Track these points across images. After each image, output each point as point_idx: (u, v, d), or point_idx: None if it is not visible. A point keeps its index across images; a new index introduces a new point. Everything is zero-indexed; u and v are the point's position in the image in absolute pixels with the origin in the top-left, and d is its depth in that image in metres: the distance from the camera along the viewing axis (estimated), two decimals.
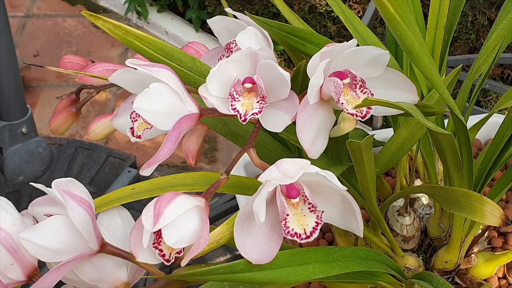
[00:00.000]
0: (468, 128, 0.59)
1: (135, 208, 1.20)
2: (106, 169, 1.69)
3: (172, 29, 2.11)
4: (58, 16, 2.21)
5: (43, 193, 0.54)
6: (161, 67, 0.54)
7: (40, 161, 1.37)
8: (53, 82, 1.99)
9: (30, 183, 0.55)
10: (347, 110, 0.53)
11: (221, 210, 1.11)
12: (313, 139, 0.55)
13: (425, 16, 0.69)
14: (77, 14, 2.19)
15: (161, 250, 0.51)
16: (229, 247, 1.17)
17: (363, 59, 0.55)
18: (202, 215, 0.51)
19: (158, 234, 0.50)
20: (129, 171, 1.65)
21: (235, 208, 1.09)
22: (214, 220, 1.11)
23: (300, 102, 0.55)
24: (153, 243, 0.51)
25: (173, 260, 0.51)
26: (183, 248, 0.51)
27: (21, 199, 1.60)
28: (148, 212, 0.49)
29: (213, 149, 1.80)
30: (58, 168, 1.69)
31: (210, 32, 2.04)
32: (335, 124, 0.56)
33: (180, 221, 0.50)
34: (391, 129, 0.74)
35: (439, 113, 0.60)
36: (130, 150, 1.78)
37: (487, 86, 1.29)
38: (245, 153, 0.55)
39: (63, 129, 0.69)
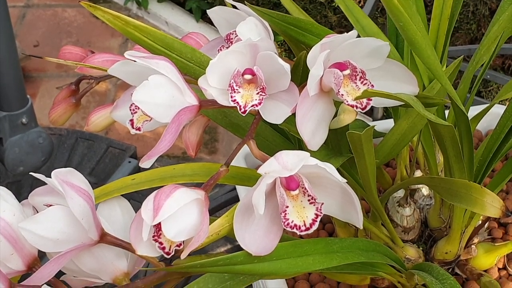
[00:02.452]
0: (469, 119, 0.59)
1: (135, 199, 1.20)
2: (107, 159, 1.69)
3: (172, 19, 2.10)
4: (58, 6, 2.20)
5: (44, 183, 0.54)
6: (160, 59, 0.54)
7: (40, 152, 1.37)
8: (53, 72, 1.99)
9: (30, 173, 0.55)
10: (347, 101, 0.53)
11: (221, 201, 1.11)
12: (313, 130, 0.55)
13: (426, 7, 0.68)
14: (77, 4, 2.18)
15: (161, 243, 0.51)
16: (229, 238, 1.17)
17: (363, 50, 0.54)
18: (201, 208, 0.51)
19: (157, 227, 0.50)
20: (129, 162, 1.65)
21: (235, 199, 1.09)
22: (215, 211, 1.11)
23: (300, 94, 0.54)
24: (153, 236, 0.51)
25: (173, 253, 0.51)
26: (183, 241, 0.51)
27: (22, 189, 1.60)
28: (147, 205, 0.49)
29: (214, 140, 1.80)
30: (58, 158, 1.69)
31: (210, 22, 2.04)
32: (335, 115, 0.56)
33: (180, 214, 0.50)
34: (392, 120, 0.74)
35: (440, 104, 0.59)
36: (130, 140, 1.78)
37: (488, 76, 1.29)
38: (245, 145, 0.55)
39: (63, 120, 0.69)
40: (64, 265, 0.52)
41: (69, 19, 2.15)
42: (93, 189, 0.54)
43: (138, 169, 1.64)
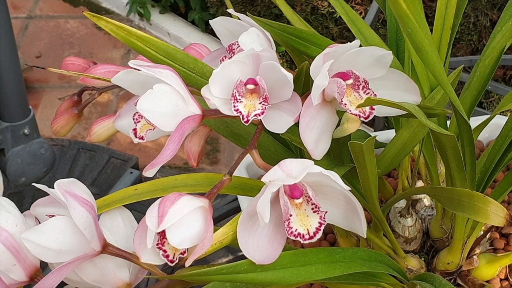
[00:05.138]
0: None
1: (137, 209, 1.20)
2: (108, 170, 1.69)
3: (174, 30, 2.11)
4: (60, 18, 2.21)
5: (46, 194, 0.54)
6: (164, 68, 0.54)
7: (42, 162, 1.37)
8: (55, 83, 1.99)
9: (33, 184, 0.55)
10: (350, 110, 0.53)
11: (223, 212, 1.11)
12: (316, 140, 0.55)
13: (426, 17, 0.69)
14: (80, 15, 2.19)
15: (165, 251, 0.51)
16: (231, 249, 1.17)
17: (366, 59, 0.55)
18: (206, 215, 0.51)
19: (162, 234, 0.50)
20: (131, 172, 1.65)
21: (237, 209, 1.09)
22: (216, 221, 1.11)
23: (302, 103, 0.55)
24: (157, 244, 0.51)
25: (177, 261, 0.51)
26: (187, 249, 0.51)
27: (24, 200, 1.60)
28: (152, 212, 0.50)
29: (215, 151, 1.80)
30: (60, 169, 1.69)
31: (212, 33, 2.04)
32: (338, 125, 0.56)
33: (184, 221, 0.50)
34: (393, 130, 0.74)
35: (441, 115, 0.60)
36: (132, 151, 1.78)
37: (489, 87, 1.29)
38: (247, 155, 0.55)
39: (66, 131, 0.69)
40: (66, 275, 0.52)
41: (72, 30, 2.16)
42: (95, 199, 0.54)
43: (140, 180, 1.64)
